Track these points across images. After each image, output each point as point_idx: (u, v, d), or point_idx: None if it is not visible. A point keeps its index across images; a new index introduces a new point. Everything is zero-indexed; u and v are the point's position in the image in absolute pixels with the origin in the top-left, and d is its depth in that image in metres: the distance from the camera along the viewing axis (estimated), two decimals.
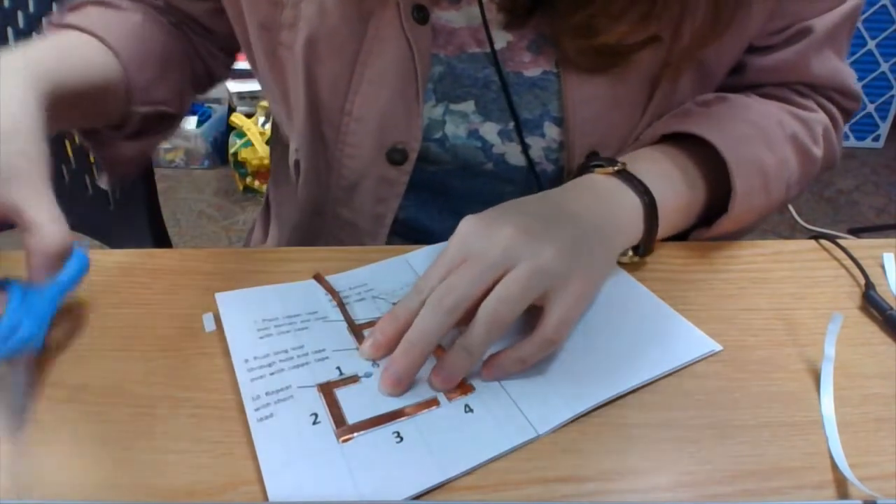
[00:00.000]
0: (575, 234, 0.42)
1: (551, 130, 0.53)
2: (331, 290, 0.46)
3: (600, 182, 0.47)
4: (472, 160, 0.55)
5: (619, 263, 0.48)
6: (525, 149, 0.54)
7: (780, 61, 0.54)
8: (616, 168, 0.48)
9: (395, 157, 0.54)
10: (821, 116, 0.56)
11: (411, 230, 0.61)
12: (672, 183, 0.49)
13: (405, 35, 0.49)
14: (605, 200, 0.46)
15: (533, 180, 0.56)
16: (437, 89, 0.53)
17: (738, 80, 0.56)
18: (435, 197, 0.59)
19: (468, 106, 0.53)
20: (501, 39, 0.51)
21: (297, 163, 0.59)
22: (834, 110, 0.58)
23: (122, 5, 0.57)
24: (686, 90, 0.54)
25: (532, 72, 0.52)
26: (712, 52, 0.51)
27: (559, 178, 0.56)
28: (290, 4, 0.50)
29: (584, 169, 0.50)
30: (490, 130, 0.54)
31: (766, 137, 0.51)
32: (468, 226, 0.41)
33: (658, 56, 0.50)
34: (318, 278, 0.47)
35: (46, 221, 0.37)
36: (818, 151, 0.55)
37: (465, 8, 0.50)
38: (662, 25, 0.47)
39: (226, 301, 0.44)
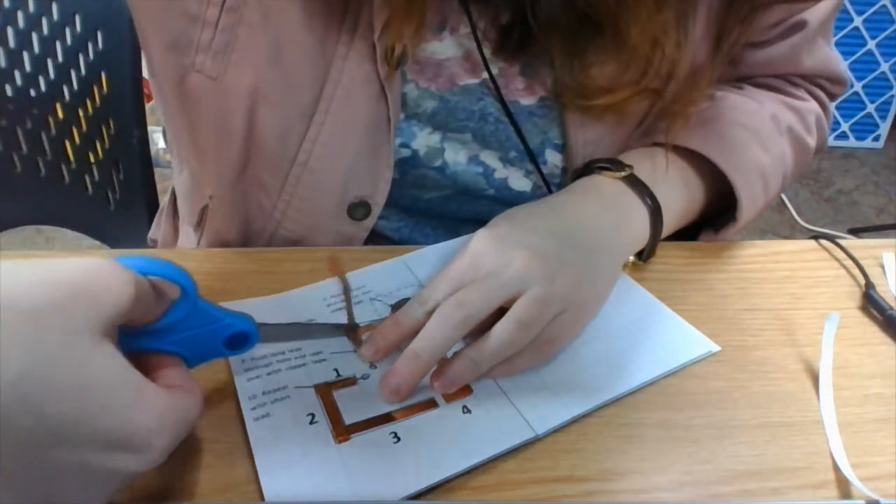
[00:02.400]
0: (586, 255, 0.42)
1: (553, 157, 0.53)
2: (342, 278, 0.45)
3: (607, 187, 0.47)
4: (473, 186, 0.53)
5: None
6: (541, 173, 0.52)
7: (775, 56, 0.54)
8: (623, 174, 0.47)
9: (357, 212, 0.50)
10: (813, 106, 0.57)
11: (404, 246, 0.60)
12: (674, 187, 0.50)
13: (378, 80, 0.45)
14: (613, 209, 0.46)
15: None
16: (432, 122, 0.50)
17: (731, 73, 0.56)
18: (431, 219, 0.57)
19: (465, 137, 0.51)
20: (493, 67, 0.48)
21: (205, 208, 0.54)
22: (822, 96, 0.58)
23: None
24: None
25: (528, 100, 0.50)
26: (701, 60, 0.51)
27: None
28: (219, 28, 0.43)
29: (588, 169, 0.49)
30: (491, 156, 0.53)
31: (759, 137, 0.51)
32: (481, 243, 0.41)
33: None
34: (333, 262, 0.45)
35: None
36: (812, 141, 0.55)
37: (448, 38, 0.47)
38: (657, 80, 0.47)
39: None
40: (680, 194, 0.50)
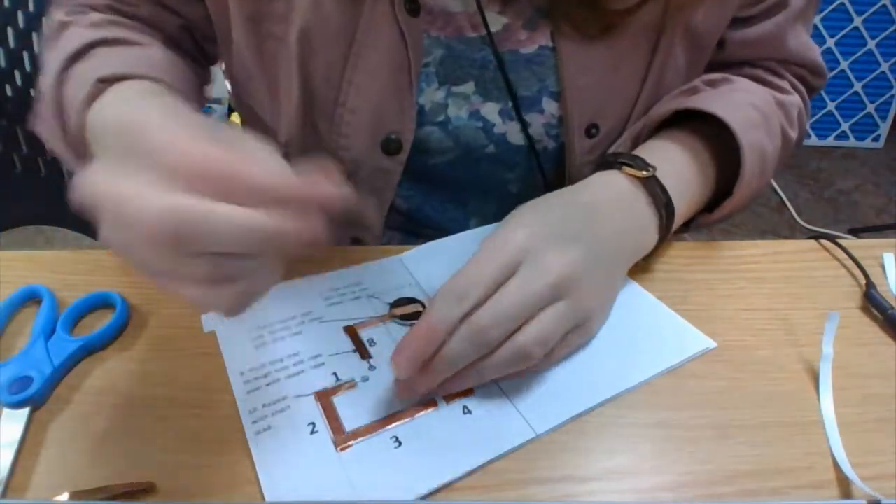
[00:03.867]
0: (609, 270, 0.43)
1: (550, 106, 0.54)
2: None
3: (626, 190, 0.47)
4: (474, 142, 0.56)
5: None
6: (524, 126, 0.54)
7: (759, 35, 0.56)
8: (647, 174, 0.47)
9: (390, 146, 0.54)
10: (795, 99, 0.58)
11: (415, 221, 0.61)
12: (691, 191, 0.50)
13: (398, 25, 0.50)
14: (633, 218, 0.46)
15: (534, 163, 0.57)
16: (439, 72, 0.53)
17: (720, 57, 0.58)
18: (438, 187, 0.60)
19: (469, 87, 0.53)
20: (497, 22, 0.51)
21: (285, 156, 0.59)
22: (803, 90, 0.60)
23: (136, 39, 0.51)
24: (681, 63, 0.55)
25: (528, 48, 0.52)
26: (702, 21, 0.53)
27: (560, 155, 0.56)
28: None
29: (609, 163, 0.49)
30: (491, 111, 0.54)
31: (769, 124, 0.52)
32: (524, 237, 0.39)
33: (652, 21, 0.51)
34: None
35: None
36: (794, 135, 0.57)
37: None
38: None
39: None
40: (694, 195, 0.51)
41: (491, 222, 0.51)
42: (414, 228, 0.62)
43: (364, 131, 0.53)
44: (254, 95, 0.58)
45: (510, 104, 0.54)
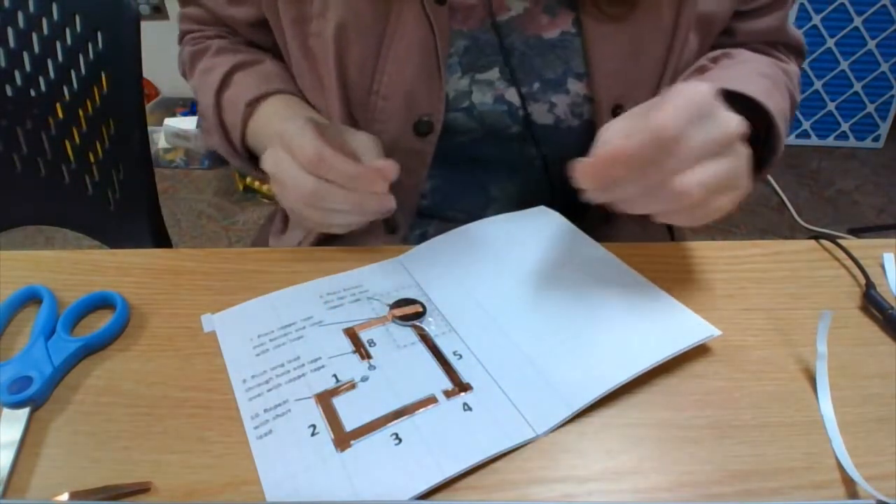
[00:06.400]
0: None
1: (575, 86, 0.56)
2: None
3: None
4: (499, 124, 0.58)
5: None
6: (524, 106, 0.57)
7: (765, 26, 0.61)
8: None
9: (422, 128, 0.57)
10: (793, 67, 0.63)
11: (434, 205, 0.63)
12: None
13: (426, 15, 0.53)
14: None
15: (559, 139, 0.58)
16: (463, 62, 0.55)
17: (728, 42, 0.61)
18: (462, 168, 0.62)
19: (493, 74, 0.56)
20: (518, 6, 0.54)
21: None
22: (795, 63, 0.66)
23: (254, 58, 0.63)
24: (693, 48, 0.57)
25: (551, 34, 0.54)
26: (713, 6, 0.56)
27: (587, 132, 0.57)
28: None
29: None
30: (515, 94, 0.57)
31: (778, 85, 0.56)
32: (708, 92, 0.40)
33: (669, 6, 0.53)
34: None
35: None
36: (798, 96, 0.62)
37: None
38: None
39: (221, 321, 0.44)
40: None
41: (510, 209, 0.55)
42: (432, 212, 0.64)
43: (397, 116, 0.56)
44: (309, 93, 0.63)
45: (535, 86, 0.56)
